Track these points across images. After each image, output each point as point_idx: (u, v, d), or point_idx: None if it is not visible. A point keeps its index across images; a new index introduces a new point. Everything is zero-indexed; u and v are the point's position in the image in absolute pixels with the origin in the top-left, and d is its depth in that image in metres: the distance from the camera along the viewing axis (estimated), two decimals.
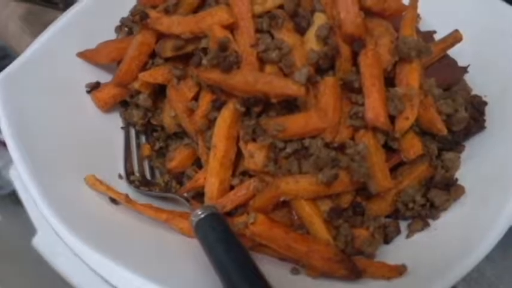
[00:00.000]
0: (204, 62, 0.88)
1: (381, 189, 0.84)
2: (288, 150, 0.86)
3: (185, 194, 0.97)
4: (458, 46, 0.98)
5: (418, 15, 1.03)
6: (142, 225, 0.87)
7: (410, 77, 0.87)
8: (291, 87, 0.84)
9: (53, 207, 0.80)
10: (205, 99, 0.92)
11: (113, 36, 1.09)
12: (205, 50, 0.93)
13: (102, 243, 0.77)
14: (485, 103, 0.96)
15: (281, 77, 0.87)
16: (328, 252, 0.81)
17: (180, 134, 1.02)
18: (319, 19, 0.89)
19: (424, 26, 1.06)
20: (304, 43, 0.89)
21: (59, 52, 1.02)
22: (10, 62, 0.98)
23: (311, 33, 0.89)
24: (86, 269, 0.79)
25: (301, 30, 0.90)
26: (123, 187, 0.95)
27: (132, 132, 1.06)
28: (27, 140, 0.88)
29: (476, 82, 1.00)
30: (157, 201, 0.94)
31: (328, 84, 0.85)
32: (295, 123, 0.85)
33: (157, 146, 1.05)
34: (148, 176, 1.02)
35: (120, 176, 0.97)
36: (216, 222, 0.78)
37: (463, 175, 0.92)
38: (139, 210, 0.87)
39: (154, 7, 1.04)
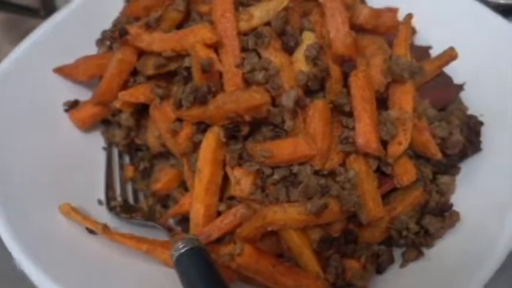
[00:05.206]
0: (184, 103, 0.83)
1: (372, 219, 0.79)
2: (276, 176, 0.82)
3: (170, 219, 0.93)
4: (454, 62, 0.94)
5: (413, 29, 0.99)
6: (121, 256, 0.82)
7: (404, 99, 0.83)
8: (255, 97, 0.79)
9: (20, 243, 0.74)
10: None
11: (93, 49, 1.04)
12: (188, 69, 0.88)
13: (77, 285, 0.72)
14: (481, 123, 0.92)
15: (245, 91, 0.83)
16: (317, 286, 0.77)
17: (166, 154, 0.97)
18: (308, 38, 0.84)
19: (420, 40, 1.02)
20: (293, 63, 0.84)
21: (34, 67, 0.97)
22: None
23: (299, 53, 0.84)
24: None
25: (289, 50, 0.85)
26: (103, 213, 0.90)
27: (115, 152, 1.01)
28: None
29: (473, 100, 0.96)
30: (140, 227, 0.90)
31: (317, 108, 0.80)
32: (282, 149, 0.80)
33: (141, 166, 1.00)
34: (131, 199, 0.97)
35: (99, 202, 0.92)
36: (197, 257, 0.73)
37: (459, 199, 0.88)
38: (118, 241, 0.82)
39: (138, 19, 0.99)
